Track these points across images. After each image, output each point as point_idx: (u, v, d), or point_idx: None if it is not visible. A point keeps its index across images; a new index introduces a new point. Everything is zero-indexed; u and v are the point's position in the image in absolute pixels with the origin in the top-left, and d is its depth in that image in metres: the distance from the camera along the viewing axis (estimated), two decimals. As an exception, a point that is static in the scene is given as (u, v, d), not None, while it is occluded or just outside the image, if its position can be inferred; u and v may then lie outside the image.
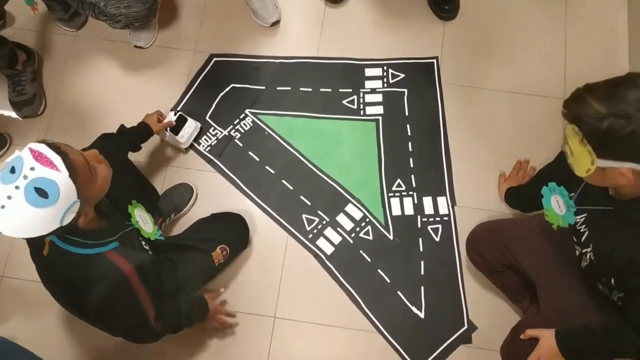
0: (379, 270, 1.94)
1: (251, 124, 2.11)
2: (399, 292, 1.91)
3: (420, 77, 2.17)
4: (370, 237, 1.97)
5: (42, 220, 1.11)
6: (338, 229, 1.98)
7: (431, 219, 1.99)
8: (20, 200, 1.07)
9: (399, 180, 2.03)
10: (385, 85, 2.16)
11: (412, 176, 2.04)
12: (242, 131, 2.10)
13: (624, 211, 1.23)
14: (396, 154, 2.07)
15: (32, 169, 1.09)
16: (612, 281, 1.31)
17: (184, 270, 1.69)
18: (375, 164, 2.06)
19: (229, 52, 2.21)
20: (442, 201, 2.01)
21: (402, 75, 2.17)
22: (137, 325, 1.42)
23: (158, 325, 1.44)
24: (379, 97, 2.14)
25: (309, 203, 2.02)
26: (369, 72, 2.18)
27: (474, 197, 2.01)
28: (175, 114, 2.00)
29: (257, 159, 2.07)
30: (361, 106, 2.13)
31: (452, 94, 2.14)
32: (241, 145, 2.09)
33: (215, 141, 2.09)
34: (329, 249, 1.96)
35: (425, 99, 2.14)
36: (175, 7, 2.28)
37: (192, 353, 1.86)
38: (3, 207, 1.07)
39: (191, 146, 2.08)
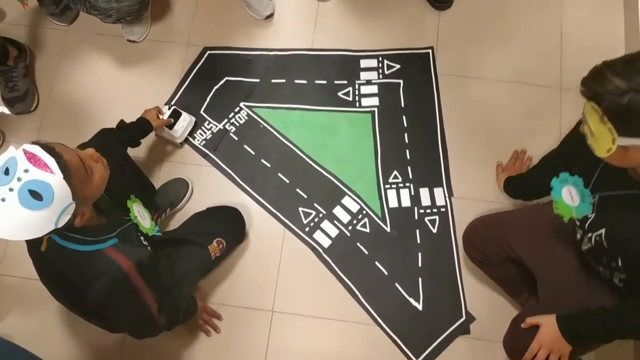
0: (377, 263, 1.93)
1: (246, 117, 2.10)
2: (396, 284, 1.91)
3: (415, 67, 2.15)
4: (367, 230, 1.96)
5: (37, 223, 1.09)
6: (335, 221, 1.97)
7: (428, 211, 1.98)
8: (14, 202, 1.05)
9: (395, 172, 2.02)
10: (381, 76, 2.14)
11: (409, 167, 2.03)
12: (237, 125, 2.09)
13: None
14: (392, 145, 2.06)
15: (26, 171, 1.07)
16: (619, 263, 1.29)
17: (181, 265, 1.68)
18: (371, 156, 2.05)
19: (222, 45, 2.19)
20: (439, 192, 2.00)
21: (398, 66, 2.15)
22: (141, 320, 1.43)
23: (162, 318, 1.45)
24: (374, 89, 2.13)
25: (306, 196, 2.01)
26: (364, 63, 2.16)
27: (471, 188, 2.01)
28: (169, 108, 1.99)
29: (253, 153, 2.06)
30: (357, 98, 2.12)
31: (447, 84, 2.13)
32: (236, 138, 2.07)
33: (210, 135, 2.07)
34: (326, 242, 1.95)
35: (421, 90, 2.13)
36: (167, 0, 2.25)
37: (189, 348, 1.86)
38: None
39: (186, 140, 2.06)
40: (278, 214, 1.99)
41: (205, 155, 2.05)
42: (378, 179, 2.02)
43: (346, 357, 1.85)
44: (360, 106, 2.10)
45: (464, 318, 1.86)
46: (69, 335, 1.88)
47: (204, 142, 2.07)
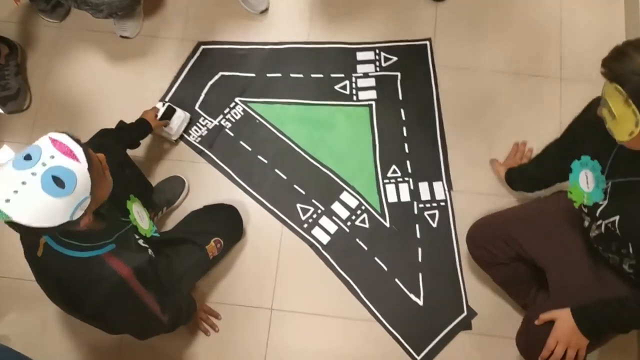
0: (376, 258, 1.91)
1: (242, 113, 2.07)
2: (396, 280, 1.89)
3: (413, 59, 2.12)
4: (367, 225, 1.94)
5: (55, 210, 1.07)
6: (333, 217, 1.95)
7: (428, 205, 1.96)
8: (36, 187, 1.04)
9: (394, 166, 2.00)
10: (378, 69, 2.11)
11: (408, 162, 2.01)
12: (233, 120, 2.06)
13: None
14: (391, 139, 2.03)
15: (52, 157, 1.06)
16: (630, 249, 1.27)
17: (179, 265, 1.67)
18: (369, 150, 2.02)
19: (217, 39, 2.16)
20: (438, 186, 1.98)
21: (395, 59, 2.12)
22: (143, 322, 1.43)
23: (166, 318, 1.44)
24: (371, 82, 2.10)
25: (303, 192, 1.98)
26: (360, 56, 2.13)
27: (470, 181, 1.98)
28: (163, 105, 1.95)
29: (249, 149, 2.03)
30: (354, 91, 2.09)
31: (446, 76, 2.10)
32: (232, 135, 2.05)
33: (206, 131, 2.05)
34: (324, 239, 1.93)
35: (419, 82, 2.10)
36: (160, -6, 2.22)
37: (189, 347, 1.85)
38: (16, 192, 1.03)
39: (181, 137, 2.03)
40: (276, 210, 1.96)
41: (201, 152, 2.03)
42: (377, 173, 1.99)
43: (346, 355, 1.83)
44: (357, 100, 2.08)
45: (465, 313, 1.85)
46: (65, 336, 1.87)
47: (199, 138, 2.04)
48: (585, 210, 1.38)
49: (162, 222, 1.95)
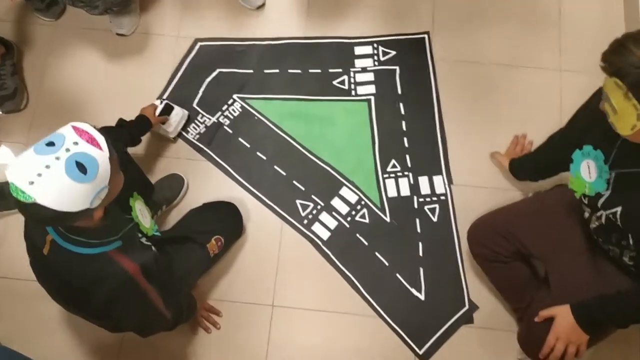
0: (377, 254, 1.91)
1: (240, 110, 2.06)
2: (397, 275, 1.88)
3: (411, 53, 2.11)
4: (367, 220, 1.94)
5: (76, 195, 1.08)
6: (333, 213, 1.95)
7: (428, 199, 1.95)
8: (60, 170, 1.05)
9: (393, 161, 1.99)
10: (376, 63, 2.10)
11: (407, 156, 2.00)
12: (231, 117, 2.05)
13: None
14: (390, 133, 2.02)
15: (76, 143, 1.08)
16: (630, 240, 1.27)
17: (180, 264, 1.67)
18: (368, 145, 2.01)
19: (214, 36, 2.15)
20: (438, 180, 1.97)
21: (393, 53, 2.11)
22: (149, 319, 1.43)
23: (169, 315, 1.44)
24: (370, 76, 2.09)
25: (303, 188, 1.98)
26: (358, 50, 2.12)
27: (470, 175, 1.98)
28: (161, 102, 1.94)
29: (248, 145, 2.02)
30: (352, 86, 2.08)
31: (444, 69, 2.09)
32: (231, 131, 2.04)
33: (204, 129, 2.04)
34: (325, 234, 1.93)
35: (418, 76, 2.09)
36: (156, -10, 2.21)
37: (191, 345, 1.84)
38: (40, 175, 1.04)
39: (179, 135, 2.03)
40: (275, 207, 1.96)
41: (199, 150, 2.02)
42: (376, 168, 1.99)
43: (348, 350, 1.83)
44: (356, 95, 2.07)
45: (467, 307, 1.84)
46: (65, 336, 1.86)
47: (197, 136, 2.03)
48: (586, 201, 1.37)
49: (161, 220, 1.94)
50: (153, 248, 1.49)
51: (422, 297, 1.86)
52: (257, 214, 1.95)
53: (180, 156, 2.02)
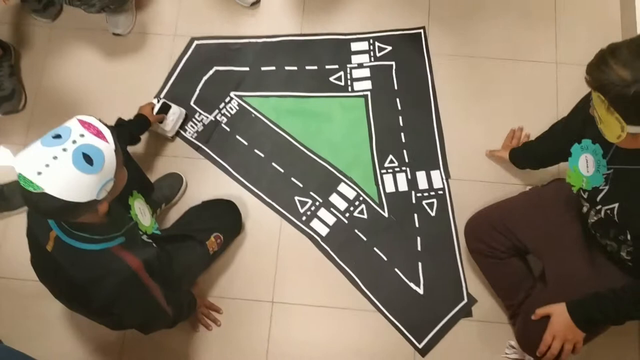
0: (376, 249, 1.91)
1: (237, 108, 2.06)
2: (396, 270, 1.89)
3: (407, 48, 2.11)
4: (365, 216, 1.94)
5: (83, 186, 1.10)
6: (332, 209, 1.95)
7: (426, 194, 1.96)
8: (67, 161, 1.07)
9: (391, 156, 2.00)
10: (373, 59, 2.11)
11: (404, 151, 2.00)
12: (229, 115, 2.06)
13: None
14: (387, 129, 2.03)
15: (82, 135, 1.11)
16: (627, 236, 1.28)
17: (180, 262, 1.68)
18: (366, 141, 2.02)
19: (210, 34, 2.15)
20: (435, 175, 1.97)
21: (389, 48, 2.11)
22: (152, 316, 1.44)
23: (170, 311, 1.45)
24: (366, 72, 2.09)
25: (301, 185, 1.98)
26: (354, 46, 2.12)
27: (468, 169, 1.98)
28: (158, 102, 1.95)
29: (246, 143, 2.03)
30: (349, 82, 2.08)
31: (441, 64, 2.09)
32: (228, 129, 2.04)
33: (202, 127, 2.04)
34: (323, 230, 1.93)
35: (414, 71, 2.09)
36: (152, -10, 2.21)
37: (192, 342, 1.85)
38: (47, 165, 1.06)
39: (177, 134, 2.03)
40: (274, 204, 1.97)
41: (197, 148, 2.02)
42: (374, 164, 1.99)
43: (348, 345, 1.84)
44: (352, 90, 2.07)
45: (465, 301, 1.85)
46: (67, 335, 1.87)
47: (195, 134, 2.04)
48: (585, 196, 1.37)
49: (161, 219, 1.95)
50: (154, 245, 1.49)
51: (421, 291, 1.87)
52: (255, 211, 1.96)
53: (178, 155, 2.03)
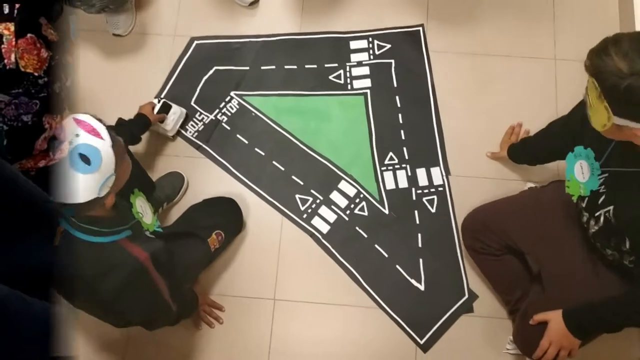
0: (377, 246, 1.92)
1: (237, 107, 2.07)
2: (397, 266, 1.90)
3: (406, 46, 2.12)
4: (366, 213, 1.95)
5: (84, 187, 1.11)
6: (332, 207, 1.96)
7: (426, 191, 1.96)
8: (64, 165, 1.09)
9: (391, 154, 2.00)
10: (372, 57, 2.11)
11: (404, 148, 2.01)
12: (229, 114, 2.07)
13: None
14: (387, 127, 2.04)
15: (77, 135, 1.11)
16: (627, 245, 1.27)
17: (182, 259, 1.68)
18: (366, 139, 2.02)
19: (209, 34, 2.16)
20: (435, 172, 1.98)
21: (388, 46, 2.12)
22: (157, 310, 1.43)
23: (175, 307, 1.46)
24: (366, 70, 2.10)
25: (302, 183, 1.99)
26: (354, 44, 2.13)
27: (468, 165, 1.99)
28: (159, 102, 1.96)
29: (246, 142, 2.04)
30: (348, 80, 2.09)
31: (440, 62, 2.10)
32: (229, 128, 2.05)
33: (202, 126, 2.05)
34: (324, 228, 1.94)
35: (414, 69, 2.10)
36: (151, -10, 2.22)
37: (194, 340, 1.86)
38: None
39: (178, 133, 2.04)
40: (275, 202, 1.97)
41: (198, 147, 2.03)
42: (374, 161, 2.00)
43: (350, 342, 1.85)
44: (352, 89, 2.08)
45: (466, 296, 1.86)
46: (69, 334, 1.88)
47: (196, 133, 2.05)
48: (583, 205, 1.38)
49: (162, 218, 1.96)
50: (159, 240, 1.50)
51: (422, 287, 1.87)
52: (257, 210, 1.97)
53: (179, 154, 2.04)
